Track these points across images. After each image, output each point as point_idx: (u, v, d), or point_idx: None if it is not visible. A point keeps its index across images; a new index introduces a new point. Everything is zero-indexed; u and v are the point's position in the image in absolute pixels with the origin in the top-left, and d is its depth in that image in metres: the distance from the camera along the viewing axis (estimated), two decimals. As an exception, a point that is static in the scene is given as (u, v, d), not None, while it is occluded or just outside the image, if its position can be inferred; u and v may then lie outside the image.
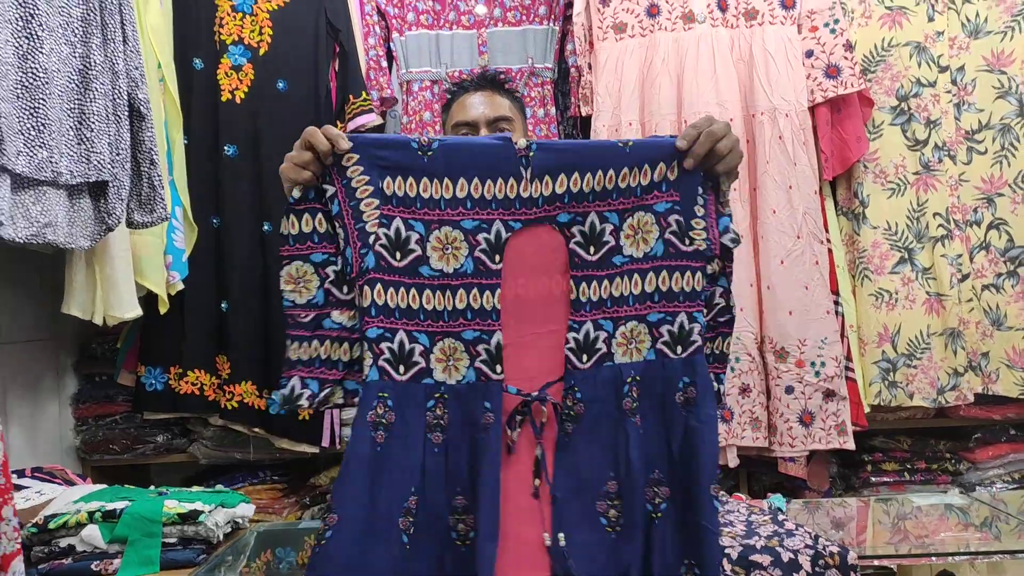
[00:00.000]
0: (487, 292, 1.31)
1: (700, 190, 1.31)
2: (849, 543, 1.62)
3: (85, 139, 1.81)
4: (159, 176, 2.02)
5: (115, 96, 1.89)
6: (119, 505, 1.71)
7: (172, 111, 2.39)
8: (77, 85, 1.81)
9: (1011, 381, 2.48)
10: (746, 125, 2.51)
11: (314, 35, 2.64)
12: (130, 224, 2.01)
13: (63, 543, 1.68)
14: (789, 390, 2.43)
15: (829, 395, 2.43)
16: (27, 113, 1.67)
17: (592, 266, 1.33)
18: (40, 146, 1.69)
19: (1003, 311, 2.50)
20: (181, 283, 2.42)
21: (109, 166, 1.85)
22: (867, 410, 2.49)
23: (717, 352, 1.39)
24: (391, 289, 1.29)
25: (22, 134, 1.65)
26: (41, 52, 1.71)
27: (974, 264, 2.52)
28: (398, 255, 1.29)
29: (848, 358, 2.49)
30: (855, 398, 2.47)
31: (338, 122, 2.65)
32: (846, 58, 2.50)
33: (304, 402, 1.30)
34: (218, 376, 2.58)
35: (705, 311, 1.34)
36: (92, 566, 1.66)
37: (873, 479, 2.57)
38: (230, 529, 1.85)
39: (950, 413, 2.55)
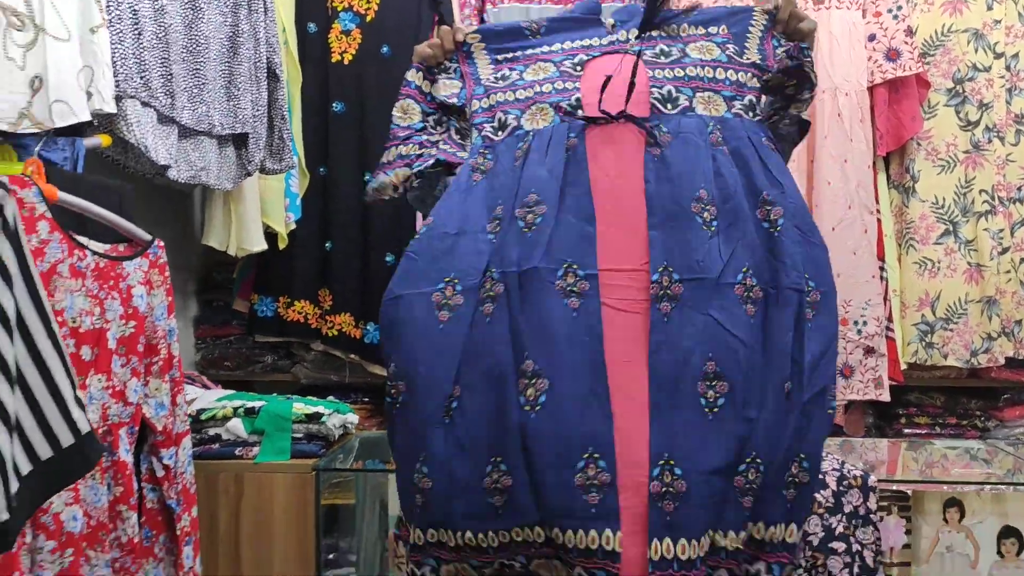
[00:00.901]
0: (568, 81, 1.52)
1: (752, 34, 1.54)
2: (875, 472, 1.88)
3: (233, 96, 2.12)
4: (288, 130, 2.34)
5: (256, 60, 2.19)
6: (257, 404, 2.05)
7: (292, 71, 2.70)
8: (227, 50, 2.12)
9: (1041, 347, 2.70)
10: (808, 101, 2.73)
11: (416, 5, 2.91)
12: (262, 170, 2.33)
13: (211, 432, 2.03)
14: (833, 345, 2.68)
15: (869, 351, 2.67)
16: (191, 73, 1.99)
17: (667, 64, 1.52)
18: (200, 102, 2.00)
19: (1038, 282, 2.71)
20: (294, 223, 2.76)
21: (251, 120, 2.17)
22: (904, 367, 2.74)
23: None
24: (492, 95, 1.56)
25: (187, 91, 1.97)
26: (202, 21, 2.02)
27: (1014, 239, 2.73)
28: (501, 82, 1.57)
29: (889, 319, 2.72)
30: (893, 356, 2.71)
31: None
32: (906, 43, 2.69)
33: (390, 190, 1.61)
34: (320, 307, 2.92)
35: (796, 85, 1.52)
36: (235, 451, 2.02)
37: (906, 431, 2.82)
38: (342, 432, 2.19)
39: (982, 374, 2.78)
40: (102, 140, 1.74)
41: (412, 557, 1.45)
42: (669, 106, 1.47)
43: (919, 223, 2.75)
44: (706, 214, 1.39)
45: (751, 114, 1.49)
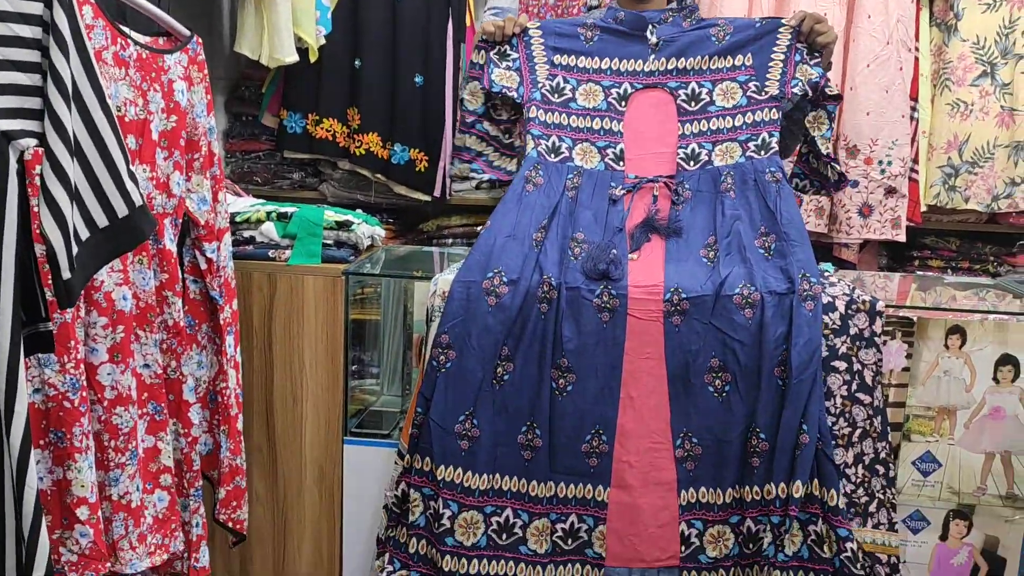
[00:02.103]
0: (614, 121, 1.93)
1: (774, 60, 1.90)
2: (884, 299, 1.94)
3: None
4: (321, -65, 2.29)
5: None
6: (289, 209, 2.11)
7: None
8: None
9: (1063, 195, 2.71)
10: (856, -71, 2.63)
11: None
12: (295, -24, 2.30)
13: (246, 234, 2.11)
14: (854, 184, 2.70)
15: (891, 192, 2.69)
16: None
17: (694, 113, 1.92)
18: (235, -102, 1.97)
19: (1070, 130, 2.69)
20: (324, 38, 2.73)
21: (284, -79, 2.13)
22: (924, 209, 2.76)
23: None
24: (549, 112, 1.93)
25: None
26: None
27: (1053, 83, 2.69)
28: (556, 96, 1.94)
29: (915, 160, 2.73)
30: (915, 197, 2.73)
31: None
32: None
33: (470, 175, 2.10)
34: (349, 126, 2.95)
35: (811, 93, 1.90)
36: (269, 253, 2.10)
37: (918, 273, 2.87)
38: (370, 243, 2.26)
39: (1000, 219, 2.81)
40: (137, -69, 1.73)
41: (424, 485, 1.76)
42: (692, 163, 1.89)
43: (957, 63, 2.71)
44: (711, 253, 1.79)
45: (762, 152, 1.87)
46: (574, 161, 1.91)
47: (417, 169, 2.96)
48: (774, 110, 1.90)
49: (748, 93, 1.91)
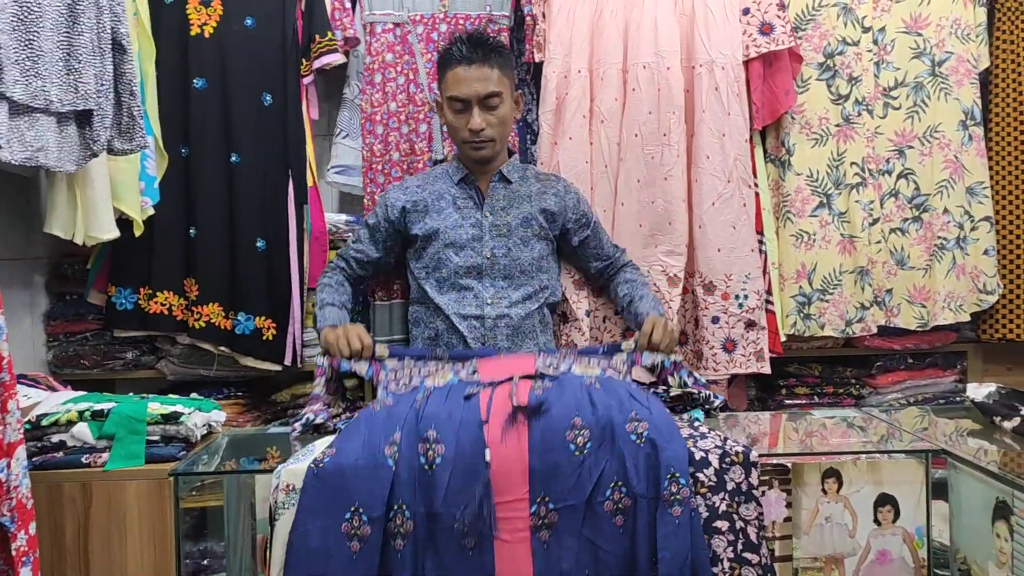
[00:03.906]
0: (465, 371, 1.97)
1: (618, 364, 2.09)
2: (756, 446, 1.87)
3: (73, 70, 1.93)
4: (138, 107, 2.15)
5: (99, 30, 2.00)
6: (106, 406, 1.88)
7: (145, 44, 2.50)
8: (66, 19, 1.92)
9: (910, 315, 2.78)
10: (686, 76, 2.70)
11: (281, -26, 2.75)
12: (111, 151, 2.14)
13: (55, 439, 1.85)
14: (715, 320, 2.69)
15: (750, 325, 2.69)
16: (22, 45, 1.79)
17: (551, 365, 1.99)
18: (34, 76, 1.81)
19: (907, 252, 2.78)
20: (152, 208, 2.56)
21: (94, 96, 1.98)
22: (783, 339, 2.77)
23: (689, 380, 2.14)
24: (398, 385, 2.00)
25: (18, 64, 1.78)
26: (31, -14, 1.83)
27: (884, 210, 2.79)
28: (403, 387, 1.98)
29: (769, 292, 2.75)
30: (773, 328, 2.73)
31: (303, 60, 2.78)
32: (779, 17, 2.70)
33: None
34: (186, 297, 2.74)
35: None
36: (83, 459, 1.84)
37: (787, 401, 2.86)
38: (206, 431, 2.03)
39: (856, 343, 2.84)
40: (-89, 117, 1.55)
41: None
42: (551, 369, 1.92)
43: (795, 196, 2.78)
44: (579, 439, 1.66)
45: (620, 377, 2.02)
46: (425, 385, 1.91)
47: (265, 338, 2.77)
48: (625, 365, 2.09)
49: (600, 364, 2.08)
